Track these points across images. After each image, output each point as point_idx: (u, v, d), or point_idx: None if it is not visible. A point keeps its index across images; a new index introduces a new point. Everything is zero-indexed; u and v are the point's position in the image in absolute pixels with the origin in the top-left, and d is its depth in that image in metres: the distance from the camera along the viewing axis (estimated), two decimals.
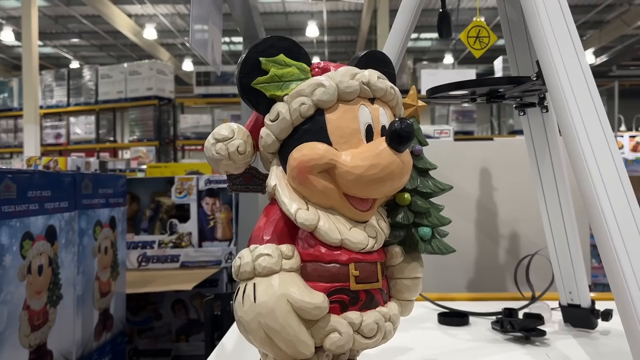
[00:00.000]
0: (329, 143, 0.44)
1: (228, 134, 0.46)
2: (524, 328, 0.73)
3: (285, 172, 0.46)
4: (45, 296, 0.76)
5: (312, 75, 0.46)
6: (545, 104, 0.69)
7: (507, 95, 0.65)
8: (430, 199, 0.50)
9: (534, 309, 0.82)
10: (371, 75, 0.46)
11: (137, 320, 1.46)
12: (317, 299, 0.42)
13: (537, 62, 0.52)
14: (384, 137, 0.43)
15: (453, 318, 0.84)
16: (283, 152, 0.46)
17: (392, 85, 0.47)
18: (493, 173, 1.19)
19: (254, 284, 0.42)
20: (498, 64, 5.71)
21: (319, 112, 0.44)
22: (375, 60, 0.51)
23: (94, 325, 0.94)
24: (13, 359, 0.68)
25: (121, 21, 8.31)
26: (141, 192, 1.57)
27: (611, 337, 0.76)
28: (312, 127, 0.44)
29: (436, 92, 0.67)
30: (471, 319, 0.85)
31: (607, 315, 0.76)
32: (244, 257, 0.43)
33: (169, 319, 1.50)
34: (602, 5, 7.89)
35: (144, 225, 1.55)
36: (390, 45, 0.71)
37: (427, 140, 0.53)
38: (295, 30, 8.98)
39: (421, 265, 0.49)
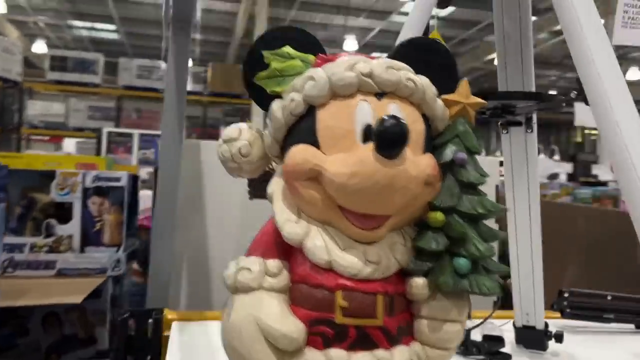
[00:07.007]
0: (317, 145, 0.38)
1: (233, 134, 0.42)
2: (489, 352, 0.71)
3: None
4: None
5: (313, 67, 0.40)
6: (531, 124, 0.68)
7: (519, 111, 0.63)
8: (479, 222, 0.41)
9: (485, 329, 0.80)
10: (377, 65, 0.39)
11: None
12: (287, 326, 0.36)
13: (578, 79, 0.50)
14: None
15: None
16: (284, 155, 0.41)
17: (412, 77, 0.39)
18: None
19: (234, 299, 0.39)
20: None
21: (312, 110, 0.39)
22: (414, 47, 0.43)
23: None
24: None
25: None
26: (8, 185, 1.33)
27: (565, 358, 0.77)
28: (304, 126, 0.39)
29: None
30: None
31: (559, 337, 0.76)
32: (229, 268, 0.39)
33: (37, 335, 1.28)
34: (456, 39, 8.60)
35: (12, 224, 1.31)
36: (409, 28, 0.62)
37: None
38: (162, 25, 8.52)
39: (458, 306, 0.40)
